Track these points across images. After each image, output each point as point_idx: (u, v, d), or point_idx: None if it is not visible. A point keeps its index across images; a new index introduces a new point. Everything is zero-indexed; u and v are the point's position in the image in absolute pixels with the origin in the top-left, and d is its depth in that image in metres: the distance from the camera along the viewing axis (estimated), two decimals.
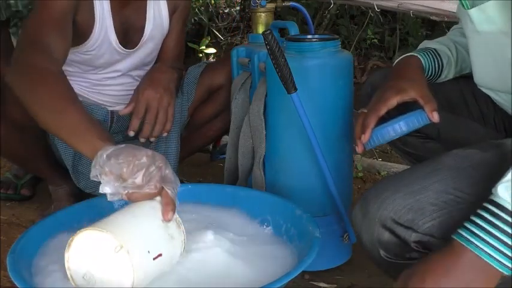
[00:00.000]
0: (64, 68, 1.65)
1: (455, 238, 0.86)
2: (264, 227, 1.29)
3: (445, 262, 0.86)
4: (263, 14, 1.67)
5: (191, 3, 3.30)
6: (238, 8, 4.03)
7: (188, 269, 1.08)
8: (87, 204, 1.36)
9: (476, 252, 0.83)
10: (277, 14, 2.92)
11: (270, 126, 1.48)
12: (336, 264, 1.52)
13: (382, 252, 1.06)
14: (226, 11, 3.94)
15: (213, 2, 3.72)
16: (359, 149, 1.18)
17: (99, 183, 1.77)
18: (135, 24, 1.67)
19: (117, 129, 1.80)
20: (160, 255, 1.01)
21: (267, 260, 1.15)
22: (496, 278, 0.83)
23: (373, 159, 2.41)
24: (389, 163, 2.31)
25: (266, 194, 1.43)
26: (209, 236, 1.15)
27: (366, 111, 1.20)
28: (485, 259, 0.82)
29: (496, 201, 0.83)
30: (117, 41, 1.63)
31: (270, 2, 1.67)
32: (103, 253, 0.96)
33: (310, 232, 1.15)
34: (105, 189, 1.05)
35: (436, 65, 1.34)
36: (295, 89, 1.29)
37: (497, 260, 0.82)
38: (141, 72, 1.73)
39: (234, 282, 1.07)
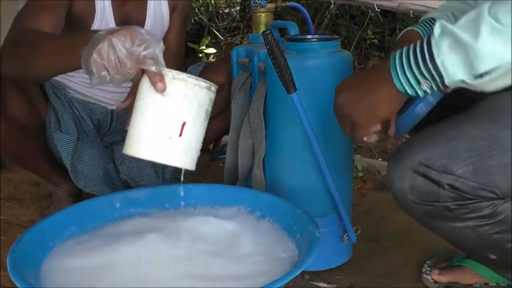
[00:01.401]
0: None
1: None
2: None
3: (368, 70, 1.01)
4: (263, 14, 1.67)
5: (191, 3, 3.30)
6: (238, 8, 4.03)
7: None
8: (86, 205, 1.36)
9: (390, 63, 0.96)
10: (277, 14, 2.92)
11: (270, 126, 1.48)
12: (336, 264, 1.52)
13: (414, 198, 1.06)
14: (226, 11, 3.95)
15: (213, 2, 3.72)
16: (391, 145, 1.21)
17: (98, 182, 1.78)
18: (135, 20, 1.68)
19: (116, 129, 1.80)
20: (184, 124, 1.05)
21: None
22: (393, 93, 0.97)
23: (373, 159, 2.41)
24: None
25: (266, 194, 1.44)
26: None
27: None
28: (391, 70, 0.95)
29: (429, 37, 0.92)
30: None
31: (270, 2, 1.67)
32: None
33: (310, 232, 1.15)
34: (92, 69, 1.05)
35: None
36: (295, 89, 1.29)
37: (396, 72, 0.95)
38: None
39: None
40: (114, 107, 1.78)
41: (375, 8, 2.28)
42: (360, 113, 1.02)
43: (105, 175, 1.73)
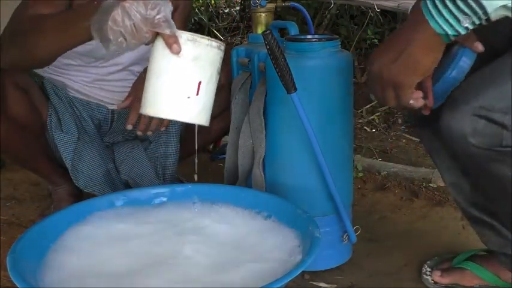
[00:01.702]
0: (67, 61, 1.68)
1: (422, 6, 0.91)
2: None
3: (400, 28, 0.95)
4: (263, 14, 1.67)
5: (191, 3, 3.30)
6: (238, 8, 4.03)
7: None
8: (86, 204, 1.35)
9: (423, 10, 0.90)
10: (277, 14, 2.92)
11: (269, 126, 1.48)
12: (336, 264, 1.52)
13: (476, 143, 1.01)
14: (226, 11, 3.95)
15: (213, 2, 3.72)
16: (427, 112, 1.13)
17: (99, 182, 1.78)
18: None
19: (117, 129, 1.80)
20: (200, 83, 1.11)
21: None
22: (431, 39, 0.91)
23: (373, 159, 2.41)
24: (389, 163, 2.31)
25: (266, 194, 1.44)
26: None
27: None
28: (424, 14, 0.90)
29: None
30: None
31: (270, 2, 1.67)
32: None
33: (310, 232, 1.15)
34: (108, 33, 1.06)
35: None
36: (295, 89, 1.29)
37: (432, 16, 0.89)
38: (142, 68, 1.74)
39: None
40: (114, 107, 1.78)
41: (375, 8, 2.29)
42: (402, 69, 0.96)
43: (105, 175, 1.73)
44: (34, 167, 1.76)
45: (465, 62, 1.08)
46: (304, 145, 1.38)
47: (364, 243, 1.59)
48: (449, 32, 0.91)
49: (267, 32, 1.24)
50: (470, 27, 0.89)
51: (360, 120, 3.03)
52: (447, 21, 0.90)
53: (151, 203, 1.40)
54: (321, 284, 1.47)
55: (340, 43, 1.44)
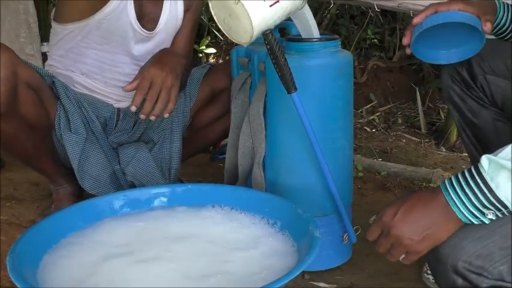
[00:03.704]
0: (81, 39, 1.71)
1: (441, 183, 1.01)
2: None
3: (422, 198, 1.03)
4: None
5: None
6: None
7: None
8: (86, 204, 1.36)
9: (446, 198, 0.98)
10: None
11: (269, 126, 1.48)
12: (336, 264, 1.52)
13: None
14: None
15: None
16: (405, 40, 1.30)
17: (105, 184, 1.78)
18: (151, 12, 1.73)
19: (122, 127, 1.80)
20: (277, 1, 1.21)
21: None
22: (455, 223, 0.99)
23: (373, 159, 2.41)
24: (389, 163, 2.31)
25: (266, 194, 1.44)
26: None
27: None
28: (451, 206, 0.98)
29: (478, 166, 0.96)
30: (136, 19, 1.68)
31: None
32: (230, 5, 1.22)
33: (310, 232, 1.15)
34: None
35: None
36: (295, 89, 1.29)
37: (459, 210, 0.97)
38: None
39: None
40: (120, 105, 1.78)
41: (375, 8, 2.28)
42: (424, 244, 1.02)
43: (111, 177, 1.73)
44: (38, 166, 1.76)
45: (466, 16, 1.19)
46: (304, 145, 1.38)
47: (364, 243, 1.58)
48: (474, 221, 0.98)
49: (267, 31, 1.24)
50: (494, 218, 0.97)
51: (360, 120, 3.04)
52: (472, 213, 0.97)
53: (151, 204, 1.40)
54: (321, 284, 1.47)
55: (340, 43, 1.44)
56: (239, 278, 1.10)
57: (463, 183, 0.97)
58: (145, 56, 1.71)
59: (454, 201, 0.98)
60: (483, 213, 0.96)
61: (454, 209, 0.98)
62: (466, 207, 0.97)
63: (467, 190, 0.96)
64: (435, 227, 1.00)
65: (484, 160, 0.95)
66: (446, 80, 1.46)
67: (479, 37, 1.28)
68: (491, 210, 0.95)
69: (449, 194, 0.98)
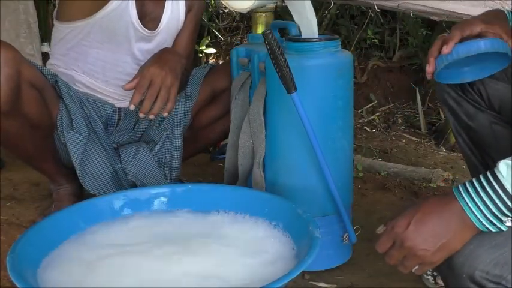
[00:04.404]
0: (82, 38, 1.71)
1: (454, 190, 0.97)
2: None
3: (435, 206, 0.99)
4: (263, 14, 1.67)
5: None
6: None
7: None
8: (86, 204, 1.35)
9: (462, 205, 0.95)
10: (277, 14, 2.92)
11: (269, 126, 1.48)
12: (336, 264, 1.52)
13: None
14: (226, 11, 3.94)
15: (213, 2, 3.71)
16: (430, 68, 1.21)
17: (106, 184, 1.78)
18: (153, 11, 1.73)
19: (123, 127, 1.80)
20: None
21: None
22: (471, 231, 0.95)
23: (373, 159, 2.41)
24: (389, 163, 2.31)
25: (266, 194, 1.44)
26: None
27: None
28: (467, 213, 0.94)
29: (494, 172, 0.93)
30: (137, 18, 1.68)
31: None
32: None
33: (310, 232, 1.15)
34: None
35: None
36: (295, 89, 1.29)
37: (476, 217, 0.94)
38: None
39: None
40: (121, 105, 1.78)
41: (375, 8, 2.28)
42: (439, 254, 0.99)
43: (112, 177, 1.73)
44: (39, 165, 1.77)
45: (496, 44, 1.14)
46: (304, 145, 1.38)
47: (364, 243, 1.59)
48: (492, 229, 0.95)
49: (268, 31, 1.24)
50: None
51: (360, 120, 3.04)
52: (490, 221, 0.94)
53: (150, 206, 1.40)
54: (321, 284, 1.47)
55: (340, 43, 1.44)
56: (238, 281, 1.10)
57: (479, 190, 0.94)
58: (146, 55, 1.71)
59: (470, 208, 0.94)
60: (501, 221, 0.93)
61: (470, 217, 0.94)
62: (484, 214, 0.93)
63: (484, 197, 0.93)
64: (451, 236, 0.97)
65: (502, 165, 0.92)
66: (441, 83, 1.45)
67: (505, 57, 1.23)
68: (510, 217, 0.92)
69: (465, 200, 0.95)
